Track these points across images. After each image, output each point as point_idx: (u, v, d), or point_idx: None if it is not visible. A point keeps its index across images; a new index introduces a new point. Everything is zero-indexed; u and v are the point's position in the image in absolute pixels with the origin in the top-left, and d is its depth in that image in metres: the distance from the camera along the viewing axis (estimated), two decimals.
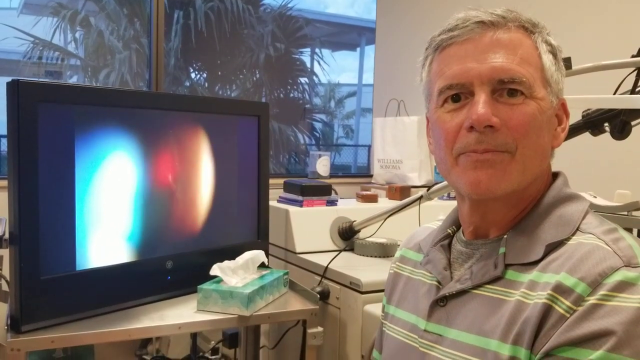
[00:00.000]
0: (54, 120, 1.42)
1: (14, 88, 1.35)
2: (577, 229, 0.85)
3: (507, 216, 0.91)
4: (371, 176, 3.36)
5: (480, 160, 0.85)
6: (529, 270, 0.84)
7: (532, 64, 0.87)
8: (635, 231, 1.32)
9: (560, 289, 0.77)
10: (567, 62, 1.23)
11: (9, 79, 1.36)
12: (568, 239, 0.84)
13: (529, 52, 0.87)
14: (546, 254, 0.84)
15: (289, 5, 6.63)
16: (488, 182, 0.85)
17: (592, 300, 0.75)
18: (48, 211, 1.40)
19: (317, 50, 7.33)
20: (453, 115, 0.88)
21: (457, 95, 0.88)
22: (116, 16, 5.81)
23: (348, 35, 8.36)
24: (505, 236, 0.89)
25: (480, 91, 0.85)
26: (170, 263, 1.68)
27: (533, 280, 0.82)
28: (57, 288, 1.43)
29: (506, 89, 0.85)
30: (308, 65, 7.21)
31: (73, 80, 5.95)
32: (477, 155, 0.85)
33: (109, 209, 1.54)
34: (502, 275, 0.86)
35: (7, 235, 1.45)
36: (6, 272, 1.51)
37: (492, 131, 0.84)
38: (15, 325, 1.38)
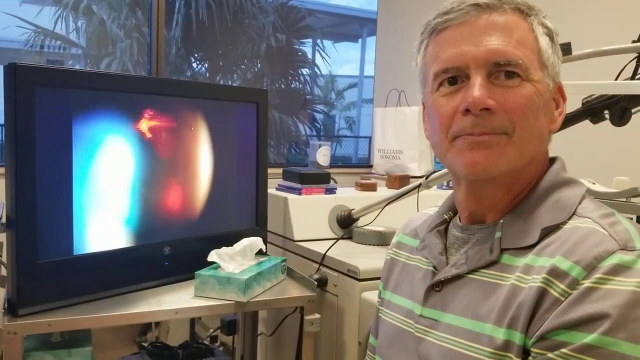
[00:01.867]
0: (51, 104, 1.41)
1: (11, 71, 1.34)
2: (574, 213, 0.85)
3: (503, 200, 0.91)
4: (371, 166, 3.36)
5: (477, 141, 0.85)
6: (524, 254, 0.84)
7: (528, 46, 0.86)
8: (634, 217, 1.31)
9: (555, 273, 0.77)
10: (567, 47, 1.22)
11: None
12: (564, 222, 0.84)
13: (525, 35, 0.86)
14: (542, 237, 0.83)
15: None
16: (485, 162, 0.85)
17: (587, 283, 0.75)
18: (45, 195, 1.40)
19: (318, 41, 7.32)
20: (449, 98, 0.88)
21: (453, 78, 0.88)
22: (118, 5, 5.79)
23: (350, 26, 8.34)
24: (502, 221, 0.89)
25: (476, 74, 0.85)
26: (168, 249, 1.68)
27: (528, 264, 0.82)
28: (54, 272, 1.42)
29: (502, 71, 0.84)
30: (309, 56, 7.20)
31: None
32: (474, 137, 0.85)
33: (107, 193, 1.54)
34: (497, 260, 0.86)
35: (4, 220, 1.45)
36: (4, 258, 1.51)
37: (489, 114, 0.83)
38: (12, 308, 1.38)
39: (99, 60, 5.82)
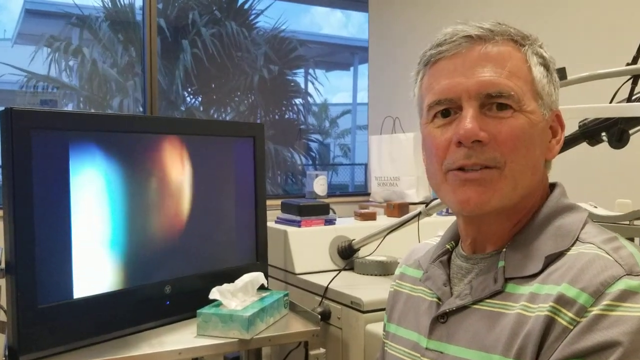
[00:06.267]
0: (48, 147, 1.41)
1: (6, 116, 1.35)
2: (577, 239, 0.84)
3: (503, 229, 0.90)
4: (369, 194, 3.35)
5: (469, 179, 0.85)
6: (529, 283, 0.83)
7: (521, 77, 0.86)
8: (637, 240, 1.31)
9: (562, 301, 0.76)
10: (562, 72, 1.23)
11: (2, 108, 1.36)
12: (568, 249, 0.83)
13: (518, 65, 0.87)
14: (546, 265, 0.83)
15: (282, 27, 6.67)
16: (477, 199, 0.85)
17: (595, 310, 0.74)
18: (44, 239, 1.39)
19: (310, 70, 7.37)
20: (443, 130, 0.88)
21: (447, 110, 0.88)
22: (110, 44, 5.83)
23: (341, 54, 8.40)
24: (504, 249, 0.89)
25: (468, 106, 0.85)
26: (169, 288, 1.66)
27: (534, 292, 0.81)
28: (55, 317, 1.41)
29: (495, 103, 0.84)
30: (302, 85, 7.24)
31: (69, 107, 5.96)
32: (465, 175, 0.85)
33: (106, 235, 1.53)
34: (502, 289, 0.85)
35: (3, 265, 1.43)
36: (3, 302, 1.50)
37: (480, 146, 0.84)
38: (13, 356, 1.36)
39: (95, 101, 5.83)
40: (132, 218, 1.59)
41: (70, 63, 5.90)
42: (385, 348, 1.07)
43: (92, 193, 1.50)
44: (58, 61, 5.83)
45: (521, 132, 0.84)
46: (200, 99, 6.48)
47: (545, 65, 0.89)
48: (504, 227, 0.90)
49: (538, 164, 0.89)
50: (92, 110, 5.76)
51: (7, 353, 1.38)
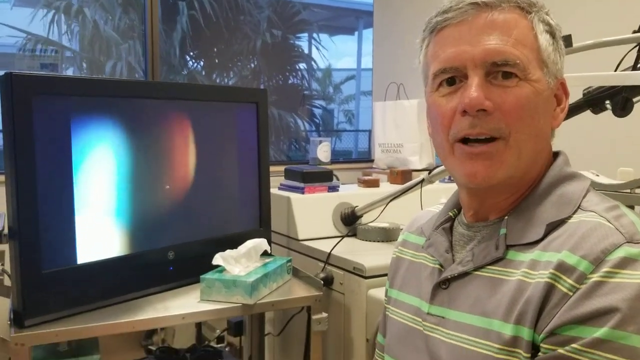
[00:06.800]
0: (49, 112, 1.41)
1: (7, 81, 1.34)
2: (578, 207, 0.85)
3: (507, 200, 0.91)
4: (372, 161, 3.36)
5: (476, 152, 0.85)
6: (530, 250, 0.84)
7: (527, 45, 0.85)
8: (638, 209, 1.31)
9: (562, 268, 0.77)
10: (568, 39, 1.21)
11: (3, 72, 1.35)
12: (569, 217, 0.84)
13: (524, 33, 0.86)
14: (547, 233, 0.83)
15: None
16: (484, 172, 0.85)
17: (595, 277, 0.75)
18: (47, 205, 1.40)
19: (314, 35, 7.29)
20: (448, 99, 0.88)
21: (452, 78, 0.87)
22: (110, 6, 5.76)
23: (346, 19, 8.30)
24: (506, 217, 0.89)
25: (473, 74, 0.84)
26: (172, 254, 1.68)
27: (534, 259, 0.82)
28: (59, 282, 1.42)
29: (500, 71, 0.84)
30: (306, 50, 7.17)
31: (69, 72, 5.92)
32: (472, 149, 0.85)
33: (109, 201, 1.53)
34: (503, 256, 0.86)
35: (6, 230, 1.44)
36: (8, 267, 1.51)
37: (485, 115, 0.83)
38: (19, 320, 1.37)
39: (100, 63, 5.78)
40: (135, 184, 1.59)
41: (72, 26, 5.84)
42: (387, 313, 1.09)
43: (95, 159, 1.50)
44: (58, 23, 5.77)
45: (526, 101, 0.84)
46: (202, 63, 6.42)
47: (552, 32, 0.88)
48: (509, 199, 0.91)
49: (543, 133, 0.88)
50: (93, 75, 5.71)
51: (12, 317, 1.40)
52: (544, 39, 0.87)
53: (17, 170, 1.35)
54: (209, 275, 1.59)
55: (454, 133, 0.87)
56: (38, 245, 1.38)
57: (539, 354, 0.77)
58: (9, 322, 1.40)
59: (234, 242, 1.73)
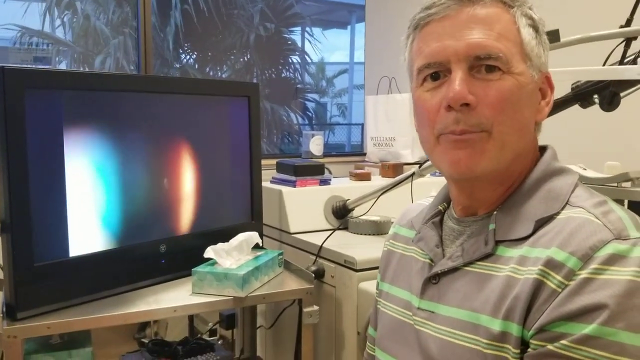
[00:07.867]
0: (42, 106, 1.41)
1: None
2: (567, 203, 0.85)
3: (495, 194, 0.91)
4: (365, 154, 3.37)
5: (459, 139, 0.86)
6: (519, 246, 0.84)
7: (510, 38, 0.86)
8: (625, 202, 1.32)
9: (551, 264, 0.78)
10: (555, 34, 1.22)
11: None
12: (557, 213, 0.84)
13: (507, 27, 0.86)
14: (536, 229, 0.84)
15: None
16: (467, 160, 0.86)
17: (583, 274, 0.75)
18: (39, 198, 1.40)
19: (307, 28, 7.27)
20: (433, 93, 0.89)
21: (436, 73, 0.88)
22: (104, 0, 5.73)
23: (338, 13, 8.28)
24: (495, 212, 0.90)
25: (457, 68, 0.85)
26: (164, 247, 1.68)
27: (523, 255, 0.82)
28: (52, 274, 1.43)
29: (483, 65, 0.85)
30: (299, 44, 7.16)
31: (62, 65, 5.88)
32: (456, 137, 0.86)
33: (101, 194, 1.54)
34: (492, 252, 0.87)
35: None
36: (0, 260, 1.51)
37: (469, 110, 0.84)
38: (11, 312, 1.38)
39: (87, 57, 5.76)
40: (128, 177, 1.59)
41: (65, 19, 5.81)
42: (378, 306, 1.10)
43: (87, 152, 1.50)
44: (52, 15, 5.74)
45: (509, 94, 0.85)
46: (195, 56, 6.40)
47: (535, 26, 0.89)
48: (496, 192, 0.91)
49: (527, 126, 0.89)
50: (86, 69, 5.68)
51: (4, 310, 1.40)
52: (526, 33, 0.88)
53: (9, 163, 1.35)
54: (200, 268, 1.60)
55: (440, 128, 0.87)
56: (30, 238, 1.38)
57: (528, 350, 0.78)
58: (1, 315, 1.41)
59: (225, 235, 1.73)
